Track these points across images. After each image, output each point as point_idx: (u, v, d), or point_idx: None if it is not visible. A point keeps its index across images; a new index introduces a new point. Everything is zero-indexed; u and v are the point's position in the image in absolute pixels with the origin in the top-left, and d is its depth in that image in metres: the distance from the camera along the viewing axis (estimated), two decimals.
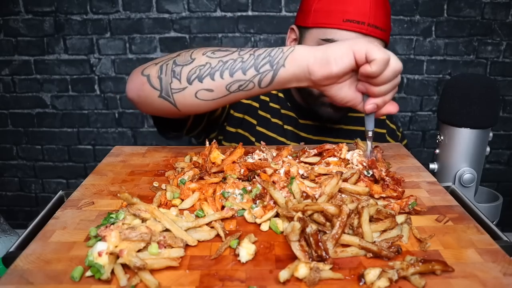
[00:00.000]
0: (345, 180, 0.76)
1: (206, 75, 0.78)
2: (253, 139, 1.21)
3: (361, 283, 0.53)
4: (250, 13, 2.14)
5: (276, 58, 0.76)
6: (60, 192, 0.81)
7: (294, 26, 1.17)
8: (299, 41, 1.14)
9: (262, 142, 0.98)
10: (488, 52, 2.19)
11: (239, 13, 2.14)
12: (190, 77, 0.78)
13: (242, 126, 1.21)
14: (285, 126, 1.22)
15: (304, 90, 1.17)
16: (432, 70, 2.23)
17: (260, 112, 1.22)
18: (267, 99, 1.25)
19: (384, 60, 0.71)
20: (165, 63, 0.83)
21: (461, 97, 0.98)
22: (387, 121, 1.34)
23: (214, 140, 0.88)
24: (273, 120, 1.22)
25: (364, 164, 0.81)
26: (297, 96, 1.24)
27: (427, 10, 2.12)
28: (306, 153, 0.88)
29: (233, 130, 1.22)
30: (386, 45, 1.11)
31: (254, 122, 1.21)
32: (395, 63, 0.73)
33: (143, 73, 0.85)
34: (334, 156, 0.85)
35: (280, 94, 1.26)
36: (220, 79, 0.77)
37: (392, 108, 0.81)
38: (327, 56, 0.73)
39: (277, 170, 0.78)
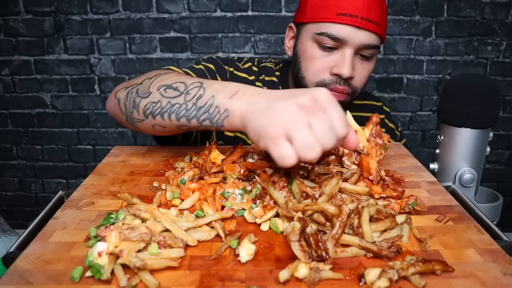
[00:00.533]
0: (345, 180, 0.76)
1: (157, 114, 0.77)
2: (251, 142, 1.21)
3: (361, 283, 0.53)
4: (250, 13, 2.14)
5: (215, 117, 0.71)
6: (60, 192, 0.81)
7: (292, 24, 1.19)
8: (297, 38, 1.16)
9: None
10: (488, 52, 2.19)
11: (239, 13, 2.14)
12: (145, 111, 0.79)
13: (235, 143, 1.19)
14: None
15: (300, 85, 1.17)
16: (432, 70, 2.23)
17: None
18: None
19: (281, 160, 0.59)
20: (131, 90, 0.83)
21: (461, 97, 0.98)
22: (386, 120, 1.34)
23: (214, 140, 0.88)
24: None
25: (356, 162, 0.81)
26: None
27: (427, 10, 2.12)
28: None
29: (231, 134, 1.21)
30: (382, 41, 1.12)
31: (247, 139, 1.20)
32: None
33: (116, 95, 0.86)
34: (332, 154, 0.85)
35: None
36: (168, 120, 0.76)
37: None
38: (259, 130, 0.61)
39: (277, 170, 0.78)
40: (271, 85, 1.26)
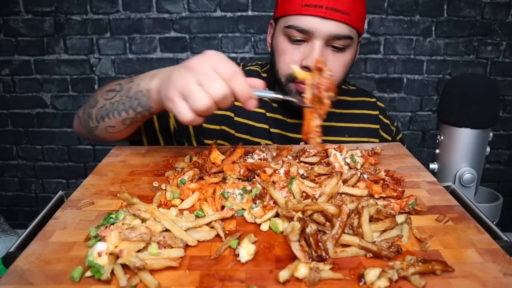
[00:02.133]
0: (345, 181, 0.76)
1: (105, 116, 0.90)
2: None
3: (361, 283, 0.53)
4: (250, 13, 2.14)
5: (142, 101, 0.83)
6: (60, 192, 0.81)
7: (272, 21, 1.19)
8: (273, 34, 1.16)
9: (262, 142, 0.98)
10: (488, 52, 2.19)
11: (239, 13, 2.14)
12: (97, 117, 0.92)
13: (220, 137, 1.19)
14: (272, 130, 1.20)
15: (276, 82, 1.15)
16: (432, 70, 2.23)
17: (238, 119, 1.20)
18: None
19: (179, 115, 0.68)
20: (85, 105, 0.97)
21: (461, 97, 0.98)
22: (380, 116, 1.31)
23: (214, 140, 0.88)
24: (258, 125, 1.20)
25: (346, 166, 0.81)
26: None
27: (427, 10, 2.12)
28: (306, 153, 0.88)
29: (210, 142, 1.21)
30: (360, 32, 1.09)
31: (232, 131, 1.19)
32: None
33: (77, 114, 1.01)
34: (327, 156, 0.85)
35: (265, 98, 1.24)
36: (113, 118, 0.89)
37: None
38: (163, 96, 0.72)
39: (277, 170, 0.78)
40: (258, 99, 1.23)
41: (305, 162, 0.85)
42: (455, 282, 0.53)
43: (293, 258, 0.57)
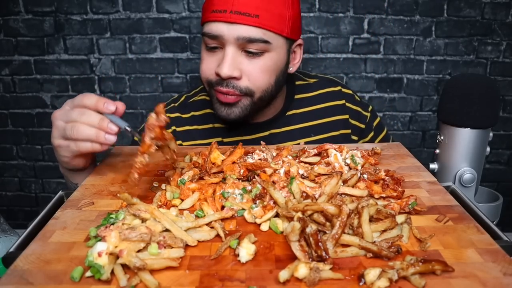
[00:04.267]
0: (345, 181, 0.76)
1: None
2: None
3: (361, 283, 0.53)
4: None
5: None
6: (60, 192, 0.81)
7: None
8: None
9: (262, 142, 0.98)
10: (488, 52, 2.19)
11: None
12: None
13: None
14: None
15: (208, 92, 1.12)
16: (432, 70, 2.23)
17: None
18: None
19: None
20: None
21: (461, 97, 0.98)
22: (348, 104, 1.24)
23: (215, 141, 0.88)
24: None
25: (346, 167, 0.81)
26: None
27: (427, 10, 2.12)
28: (306, 153, 0.88)
29: (208, 126, 1.21)
30: (286, 36, 1.04)
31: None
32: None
33: None
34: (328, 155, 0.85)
35: (199, 126, 1.22)
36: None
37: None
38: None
39: (277, 170, 0.78)
40: (207, 118, 1.21)
41: (305, 162, 0.85)
42: (455, 282, 0.53)
43: (293, 258, 0.57)
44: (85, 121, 0.78)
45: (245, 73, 1.03)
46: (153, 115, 0.74)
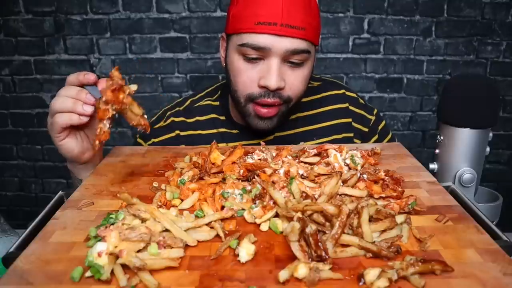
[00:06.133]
0: (345, 181, 0.76)
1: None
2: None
3: (360, 283, 0.53)
4: None
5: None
6: (60, 192, 0.81)
7: (223, 34, 1.14)
8: (226, 50, 1.11)
9: (262, 142, 0.98)
10: (488, 52, 2.19)
11: None
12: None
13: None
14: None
15: (235, 102, 1.12)
16: (432, 70, 2.23)
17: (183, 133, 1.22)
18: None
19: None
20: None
21: (461, 97, 0.98)
22: (351, 108, 1.24)
23: (214, 141, 0.88)
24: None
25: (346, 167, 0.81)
26: (236, 116, 1.21)
27: (427, 10, 2.12)
28: (305, 153, 0.88)
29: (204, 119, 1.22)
30: (315, 45, 1.06)
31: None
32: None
33: None
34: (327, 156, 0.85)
35: (220, 130, 1.22)
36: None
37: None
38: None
39: (276, 170, 0.78)
40: (211, 124, 1.21)
41: (305, 162, 0.85)
42: (454, 282, 0.53)
43: (292, 258, 0.57)
44: (64, 94, 0.85)
45: (288, 83, 1.04)
46: (107, 80, 0.75)
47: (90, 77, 0.84)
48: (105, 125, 0.75)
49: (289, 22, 0.98)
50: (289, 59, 1.02)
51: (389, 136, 1.28)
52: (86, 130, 0.93)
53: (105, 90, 0.74)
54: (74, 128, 0.89)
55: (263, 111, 1.06)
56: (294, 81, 1.05)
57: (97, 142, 0.76)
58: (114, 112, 0.76)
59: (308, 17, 1.01)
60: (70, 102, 0.83)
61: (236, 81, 1.07)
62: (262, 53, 1.01)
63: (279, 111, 1.07)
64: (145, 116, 0.80)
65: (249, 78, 1.04)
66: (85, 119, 0.84)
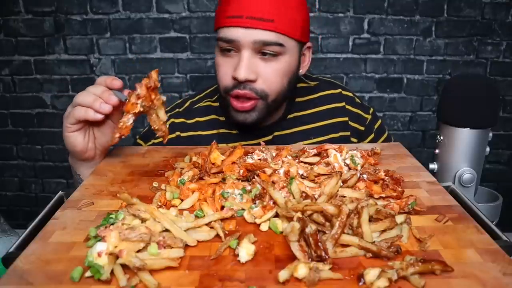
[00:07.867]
0: (345, 181, 0.76)
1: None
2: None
3: (360, 283, 0.53)
4: None
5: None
6: (60, 193, 0.81)
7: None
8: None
9: (261, 142, 0.98)
10: (488, 52, 2.19)
11: None
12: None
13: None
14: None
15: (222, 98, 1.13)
16: (432, 70, 2.23)
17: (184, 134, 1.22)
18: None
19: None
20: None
21: (461, 97, 0.98)
22: (348, 107, 1.25)
23: (214, 141, 0.88)
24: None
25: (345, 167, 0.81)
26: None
27: (427, 10, 2.12)
28: (305, 153, 0.88)
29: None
30: (296, 39, 1.06)
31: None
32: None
33: None
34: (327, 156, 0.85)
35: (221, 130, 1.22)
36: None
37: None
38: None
39: (276, 170, 0.78)
40: (211, 124, 1.22)
41: (305, 162, 0.85)
42: (454, 282, 0.53)
43: (292, 258, 0.57)
44: (89, 90, 0.88)
45: (261, 76, 1.05)
46: (144, 78, 0.77)
47: (116, 82, 0.89)
48: (129, 120, 0.76)
49: (254, 14, 1.00)
50: (261, 50, 1.03)
51: (385, 135, 1.30)
52: (96, 131, 0.94)
53: (141, 84, 0.76)
54: (86, 125, 0.91)
55: (238, 105, 1.07)
56: (268, 75, 1.05)
57: (117, 135, 0.78)
58: (142, 109, 0.78)
59: (277, 9, 1.01)
60: (92, 98, 0.86)
61: (217, 75, 1.11)
62: (233, 45, 1.04)
63: (256, 106, 1.08)
64: (167, 125, 0.83)
65: (224, 71, 1.07)
66: (99, 116, 0.86)
